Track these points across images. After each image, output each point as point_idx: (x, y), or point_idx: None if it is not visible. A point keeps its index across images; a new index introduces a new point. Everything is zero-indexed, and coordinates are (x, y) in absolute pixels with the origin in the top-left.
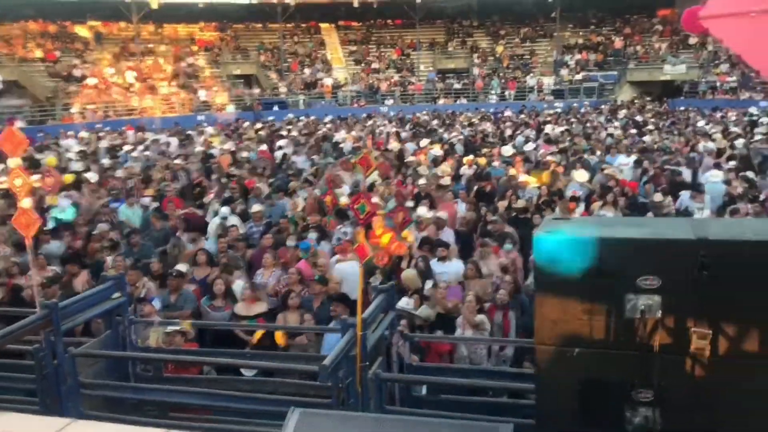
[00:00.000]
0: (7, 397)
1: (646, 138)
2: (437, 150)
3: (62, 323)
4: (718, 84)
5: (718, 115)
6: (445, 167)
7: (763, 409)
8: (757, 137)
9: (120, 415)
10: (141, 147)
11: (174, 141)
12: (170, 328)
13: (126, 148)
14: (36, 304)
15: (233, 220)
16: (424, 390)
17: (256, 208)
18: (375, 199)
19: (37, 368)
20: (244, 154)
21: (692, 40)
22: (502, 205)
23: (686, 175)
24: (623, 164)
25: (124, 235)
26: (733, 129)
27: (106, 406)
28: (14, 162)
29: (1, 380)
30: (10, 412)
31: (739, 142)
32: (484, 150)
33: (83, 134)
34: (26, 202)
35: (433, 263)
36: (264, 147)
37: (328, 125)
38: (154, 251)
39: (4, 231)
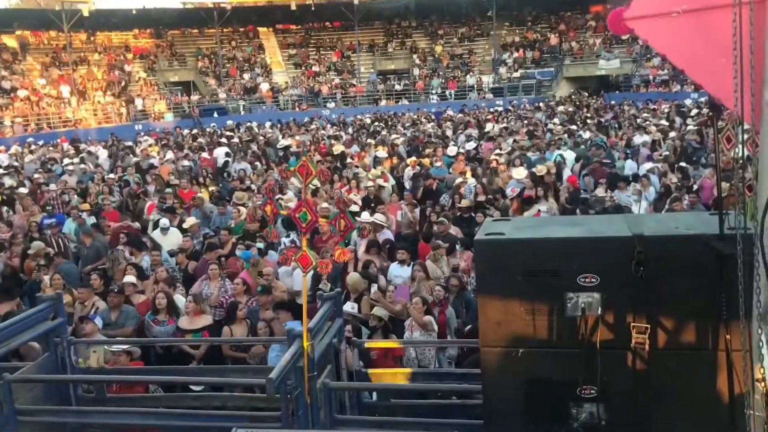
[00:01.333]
0: None
1: (586, 134)
2: (381, 152)
3: None
4: (650, 77)
5: (651, 107)
6: (378, 170)
7: (701, 397)
8: (688, 128)
9: None
10: (76, 160)
11: (103, 153)
12: (114, 348)
13: (63, 161)
14: None
15: (173, 231)
16: (374, 396)
17: (191, 221)
18: (325, 205)
19: None
20: (185, 163)
21: (625, 36)
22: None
23: (629, 167)
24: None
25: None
26: (664, 122)
27: None
28: None
29: None
30: None
31: (673, 134)
32: (427, 150)
33: (14, 149)
34: None
35: (393, 266)
36: (205, 155)
37: (269, 131)
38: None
39: None
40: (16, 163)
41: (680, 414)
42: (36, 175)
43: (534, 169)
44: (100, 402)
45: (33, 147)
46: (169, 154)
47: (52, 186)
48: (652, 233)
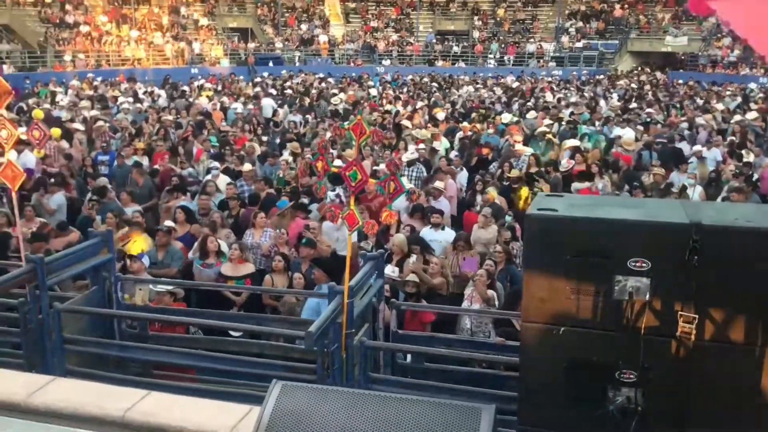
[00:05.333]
0: None
1: (649, 110)
2: (441, 114)
3: (48, 278)
4: (719, 58)
5: (716, 88)
6: (428, 132)
7: (742, 394)
8: (751, 114)
9: (103, 372)
10: (131, 99)
11: (163, 94)
12: (159, 288)
13: (119, 99)
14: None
15: (222, 177)
16: (408, 358)
17: (247, 167)
18: (382, 166)
19: (21, 323)
20: (238, 110)
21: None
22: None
23: (685, 149)
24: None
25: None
26: (729, 104)
27: (90, 363)
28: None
29: None
30: None
31: (737, 118)
32: (473, 115)
33: (74, 83)
34: (12, 155)
35: (426, 230)
36: (264, 104)
37: (323, 84)
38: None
39: None
40: (75, 99)
41: (720, 408)
42: (93, 112)
43: (581, 144)
44: (142, 339)
45: (95, 83)
46: (224, 100)
47: (99, 123)
48: (711, 222)
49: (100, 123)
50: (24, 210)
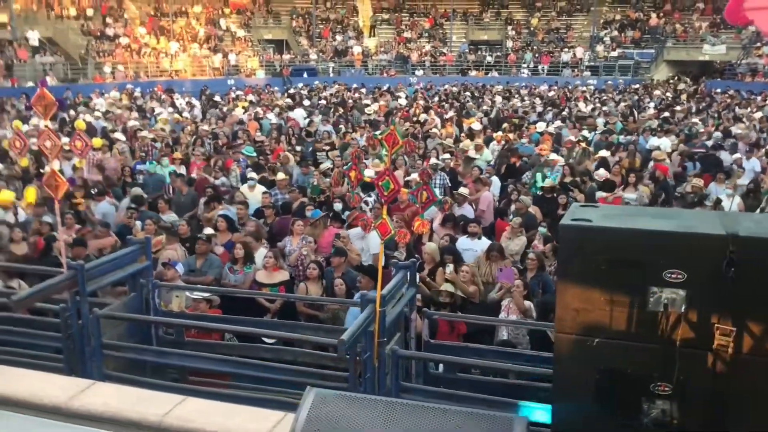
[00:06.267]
0: (37, 353)
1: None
2: (476, 124)
3: (88, 284)
4: (759, 66)
5: (754, 97)
6: (471, 143)
7: None
8: None
9: (140, 378)
10: (170, 109)
11: (198, 104)
12: (196, 295)
13: (156, 110)
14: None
15: (258, 188)
16: (440, 368)
17: (281, 176)
18: (415, 176)
19: (62, 328)
20: (273, 120)
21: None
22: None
23: (726, 159)
24: (654, 146)
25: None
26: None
27: (127, 368)
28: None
29: (30, 337)
30: (36, 370)
31: None
32: (504, 125)
33: (113, 95)
34: (56, 164)
35: (462, 239)
36: (291, 114)
37: (356, 94)
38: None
39: (34, 190)
40: (116, 110)
41: (757, 424)
42: (133, 122)
43: (609, 156)
44: (179, 345)
45: (135, 94)
46: (258, 111)
47: (144, 132)
48: (748, 234)
49: (144, 133)
50: (65, 218)
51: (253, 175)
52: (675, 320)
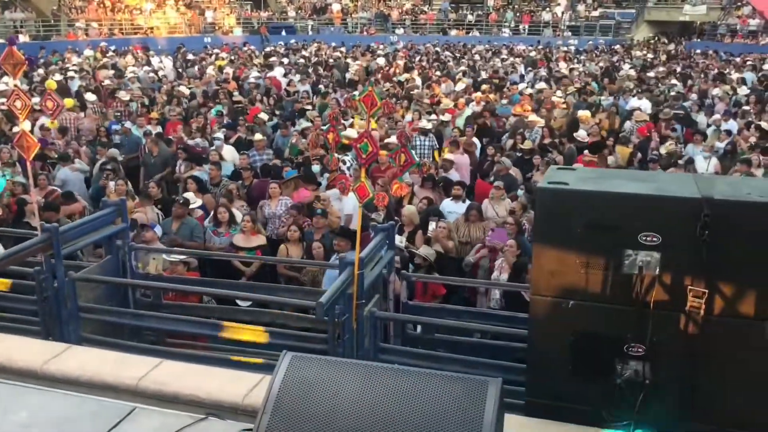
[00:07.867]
0: (12, 316)
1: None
2: (461, 84)
3: (63, 247)
4: (738, 27)
5: (733, 58)
6: (450, 102)
7: (753, 369)
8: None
9: (118, 340)
10: (147, 67)
11: (168, 64)
12: (173, 257)
13: (130, 68)
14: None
15: (228, 148)
16: (419, 328)
17: (258, 136)
18: (393, 139)
19: (38, 291)
20: (251, 79)
21: None
22: (508, 144)
23: (701, 121)
24: (634, 107)
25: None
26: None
27: (104, 331)
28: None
29: (5, 301)
30: (12, 334)
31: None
32: (483, 87)
33: (87, 53)
34: (26, 125)
35: (446, 202)
36: (272, 73)
37: (336, 53)
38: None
39: (7, 150)
40: (88, 67)
41: (727, 383)
42: (107, 81)
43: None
44: (156, 307)
45: (110, 53)
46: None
47: (122, 93)
48: (722, 197)
49: (122, 94)
50: (38, 179)
51: (220, 134)
52: (649, 282)
